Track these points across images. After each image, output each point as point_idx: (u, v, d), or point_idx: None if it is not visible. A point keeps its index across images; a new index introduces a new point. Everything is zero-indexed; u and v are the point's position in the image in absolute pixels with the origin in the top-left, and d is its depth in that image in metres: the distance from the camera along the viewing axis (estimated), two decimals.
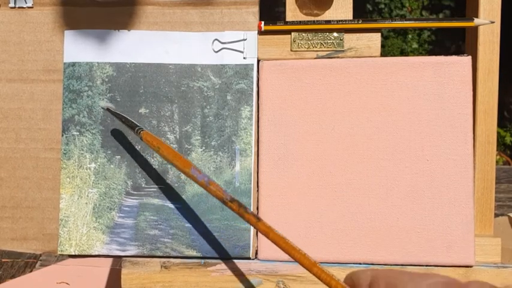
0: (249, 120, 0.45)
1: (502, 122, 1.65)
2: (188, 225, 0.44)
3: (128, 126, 0.42)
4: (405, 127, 0.43)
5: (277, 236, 0.34)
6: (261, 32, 0.45)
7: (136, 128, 0.41)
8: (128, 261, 0.44)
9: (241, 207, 0.35)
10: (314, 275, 0.31)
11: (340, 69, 0.44)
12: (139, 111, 0.45)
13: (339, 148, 0.44)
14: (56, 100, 0.46)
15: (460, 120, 0.43)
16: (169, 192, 0.45)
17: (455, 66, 0.43)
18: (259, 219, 0.35)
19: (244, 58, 0.45)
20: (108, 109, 0.44)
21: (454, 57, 0.43)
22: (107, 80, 0.45)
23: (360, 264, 0.43)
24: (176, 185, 0.45)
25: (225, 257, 0.44)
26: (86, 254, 0.44)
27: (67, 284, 0.82)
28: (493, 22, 0.44)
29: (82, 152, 0.45)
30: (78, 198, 0.45)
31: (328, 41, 0.45)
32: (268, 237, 0.34)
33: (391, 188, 0.43)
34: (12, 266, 0.93)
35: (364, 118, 0.44)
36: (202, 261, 0.44)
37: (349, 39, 0.45)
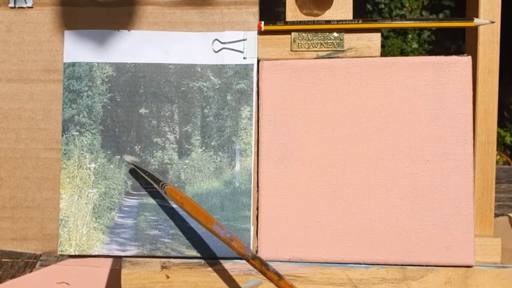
0: (249, 120, 0.45)
1: (502, 122, 1.65)
2: (188, 225, 0.44)
3: (153, 180, 0.42)
4: (405, 127, 0.43)
5: None
6: (261, 32, 0.45)
7: (161, 183, 0.41)
8: (128, 261, 0.44)
9: (263, 265, 0.35)
10: None
11: (340, 69, 0.44)
12: (140, 111, 0.45)
13: (339, 148, 0.44)
14: (56, 100, 0.46)
15: (460, 120, 0.43)
16: None
17: (455, 66, 0.43)
18: (280, 277, 0.35)
19: (244, 58, 0.45)
20: (133, 164, 0.44)
21: (454, 57, 0.43)
22: (106, 80, 0.45)
23: (360, 264, 0.43)
24: (176, 185, 0.45)
25: (225, 257, 0.44)
26: (86, 254, 0.44)
27: (67, 284, 0.82)
28: (493, 22, 0.44)
29: (82, 152, 0.45)
30: (78, 198, 0.45)
31: (328, 41, 0.45)
32: None
33: (391, 188, 0.43)
34: (12, 266, 0.93)
35: (364, 118, 0.44)
36: (202, 261, 0.44)
37: (349, 39, 0.45)
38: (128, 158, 0.44)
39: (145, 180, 0.45)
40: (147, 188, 0.45)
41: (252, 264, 0.35)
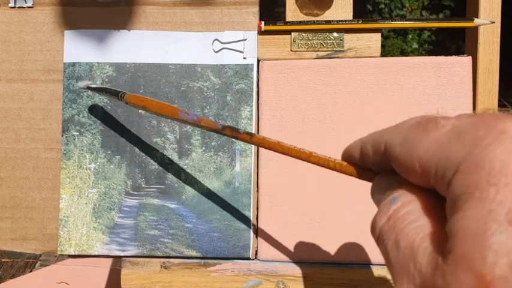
0: (249, 120, 0.45)
1: None
2: (188, 225, 0.44)
3: (112, 95, 0.41)
4: None
5: (271, 142, 0.34)
6: (261, 32, 0.45)
7: (120, 93, 0.39)
8: (128, 261, 0.44)
9: (233, 131, 0.35)
10: (312, 163, 0.34)
11: (340, 69, 0.44)
12: (139, 111, 0.45)
13: (339, 148, 0.44)
14: (56, 100, 0.46)
15: None
16: (169, 192, 0.45)
17: (455, 67, 0.43)
18: (252, 135, 0.35)
19: (244, 58, 0.45)
20: (88, 87, 0.44)
21: (454, 58, 0.43)
22: (107, 80, 0.45)
23: (360, 264, 0.43)
24: (176, 185, 0.45)
25: (225, 257, 0.44)
26: (86, 254, 0.44)
27: (67, 284, 0.82)
28: (493, 22, 0.44)
29: (82, 152, 0.45)
30: (78, 199, 0.45)
31: (328, 41, 0.45)
32: (265, 147, 0.35)
33: None
34: (12, 266, 0.93)
35: (364, 118, 0.44)
36: (202, 261, 0.44)
37: (349, 39, 0.45)
38: (81, 83, 0.44)
39: (144, 179, 0.45)
40: (147, 188, 0.45)
41: (224, 134, 0.35)
